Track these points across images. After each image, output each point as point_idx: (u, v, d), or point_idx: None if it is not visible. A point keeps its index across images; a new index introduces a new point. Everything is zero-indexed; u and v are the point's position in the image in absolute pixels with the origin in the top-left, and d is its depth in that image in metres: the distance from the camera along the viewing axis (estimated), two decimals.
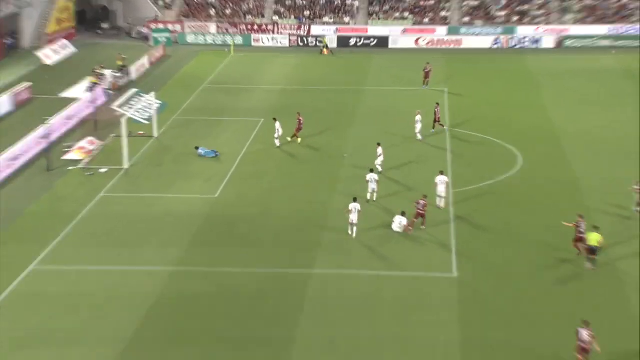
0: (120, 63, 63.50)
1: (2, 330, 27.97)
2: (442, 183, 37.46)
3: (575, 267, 32.20)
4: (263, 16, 79.67)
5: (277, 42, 76.24)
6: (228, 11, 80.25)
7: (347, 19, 79.05)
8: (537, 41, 74.45)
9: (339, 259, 33.10)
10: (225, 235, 35.46)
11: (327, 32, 76.41)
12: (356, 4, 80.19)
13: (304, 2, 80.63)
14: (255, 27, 77.48)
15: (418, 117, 47.10)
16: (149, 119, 46.85)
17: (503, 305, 29.51)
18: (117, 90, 56.95)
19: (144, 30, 78.03)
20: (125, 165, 43.20)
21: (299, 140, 46.87)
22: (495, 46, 74.45)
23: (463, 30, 76.35)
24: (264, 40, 76.34)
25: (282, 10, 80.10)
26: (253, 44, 75.99)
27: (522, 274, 31.83)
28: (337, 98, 57.28)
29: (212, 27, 77.72)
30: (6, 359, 26.54)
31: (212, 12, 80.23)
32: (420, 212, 35.21)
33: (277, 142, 46.13)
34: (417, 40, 75.25)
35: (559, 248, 33.36)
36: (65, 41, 72.33)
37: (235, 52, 72.26)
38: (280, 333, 27.80)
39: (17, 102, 54.81)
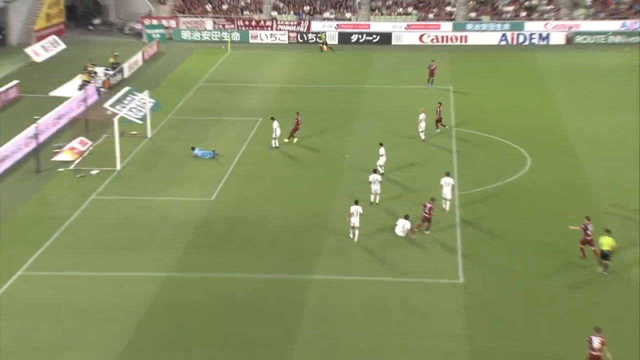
0: (112, 60, 63.56)
1: None
2: (447, 185, 37.39)
3: (586, 272, 32.15)
4: (261, 11, 79.69)
5: (276, 38, 76.24)
6: (225, 6, 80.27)
7: (348, 15, 79.06)
8: (546, 37, 74.44)
9: (340, 264, 33.05)
10: (222, 240, 35.40)
11: (327, 28, 76.43)
12: None
13: None
14: (253, 23, 77.50)
15: (422, 116, 47.06)
16: (143, 119, 46.82)
17: (511, 313, 29.45)
18: (109, 88, 56.95)
19: (137, 26, 78.06)
20: (118, 166, 43.16)
21: (295, 140, 46.80)
22: (503, 43, 74.46)
23: (469, 26, 76.33)
24: (262, 36, 76.33)
25: (281, 5, 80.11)
26: (251, 40, 75.98)
27: (531, 279, 31.76)
28: (338, 97, 57.26)
29: (208, 23, 77.73)
30: None
31: (208, 7, 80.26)
32: (427, 216, 35.10)
33: (273, 143, 46.00)
34: (421, 37, 75.25)
35: (569, 252, 33.30)
36: (54, 37, 72.37)
37: (232, 49, 72.24)
38: (278, 342, 27.71)
39: (5, 101, 54.82)
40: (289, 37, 76.05)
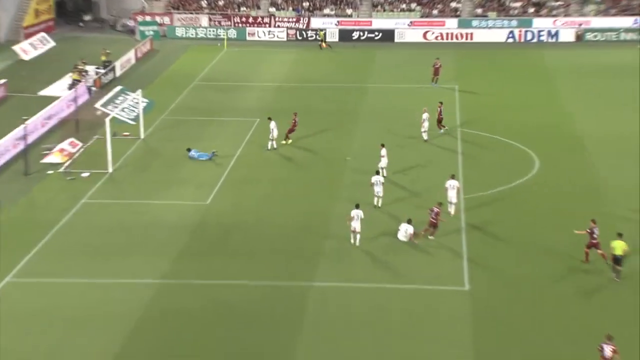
0: (104, 58, 63.66)
1: None
2: (452, 188, 37.40)
3: (595, 277, 32.19)
4: (258, 8, 79.83)
5: (274, 35, 76.38)
6: (221, 2, 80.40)
7: (349, 11, 79.19)
8: (555, 35, 74.56)
9: (340, 270, 33.09)
10: (218, 245, 35.43)
11: (327, 25, 76.55)
12: None
13: None
14: (250, 19, 77.65)
15: (425, 116, 47.13)
16: (135, 119, 46.89)
17: (519, 320, 29.46)
18: (101, 87, 57.04)
19: (130, 22, 78.21)
20: (110, 169, 43.21)
21: (290, 141, 46.81)
22: (510, 40, 74.56)
23: (475, 22, 76.50)
24: (260, 33, 76.47)
25: (279, 1, 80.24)
26: (248, 37, 76.13)
27: (540, 286, 31.78)
28: (339, 96, 57.36)
29: (204, 20, 77.89)
30: None
31: (204, 3, 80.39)
32: (434, 221, 35.07)
33: (269, 145, 45.99)
34: (425, 34, 75.38)
35: (579, 257, 33.30)
36: (44, 34, 72.46)
37: (229, 47, 72.35)
38: (277, 351, 27.73)
39: None
40: (287, 34, 76.19)
